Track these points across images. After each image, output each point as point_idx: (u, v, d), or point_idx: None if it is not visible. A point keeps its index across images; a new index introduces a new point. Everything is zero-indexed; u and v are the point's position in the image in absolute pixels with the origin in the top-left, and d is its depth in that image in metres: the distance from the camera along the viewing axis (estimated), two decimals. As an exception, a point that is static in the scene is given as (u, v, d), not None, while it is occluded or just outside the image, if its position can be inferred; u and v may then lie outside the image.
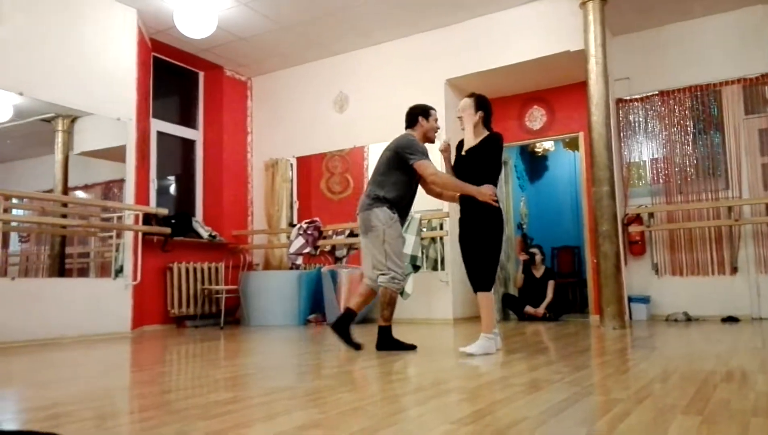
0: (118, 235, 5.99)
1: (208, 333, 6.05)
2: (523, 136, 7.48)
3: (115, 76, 6.05)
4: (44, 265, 5.96)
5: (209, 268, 7.23)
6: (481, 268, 3.80)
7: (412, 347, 4.06)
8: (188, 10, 6.08)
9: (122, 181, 6.09)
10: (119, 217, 6.06)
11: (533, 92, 7.36)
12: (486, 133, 3.94)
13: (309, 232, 7.16)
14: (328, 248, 7.25)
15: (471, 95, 4.03)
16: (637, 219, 6.61)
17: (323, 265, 7.26)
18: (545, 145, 9.20)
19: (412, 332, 5.39)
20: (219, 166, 7.82)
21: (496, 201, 3.80)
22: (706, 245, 6.36)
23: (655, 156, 6.71)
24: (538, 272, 7.23)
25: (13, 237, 5.86)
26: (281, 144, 7.99)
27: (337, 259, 7.23)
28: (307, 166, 8.37)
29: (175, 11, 6.12)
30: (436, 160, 4.25)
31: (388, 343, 4.04)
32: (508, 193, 7.94)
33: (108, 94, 5.96)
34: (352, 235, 7.27)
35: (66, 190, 5.93)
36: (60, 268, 5.87)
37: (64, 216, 5.87)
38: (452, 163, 4.09)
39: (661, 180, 6.64)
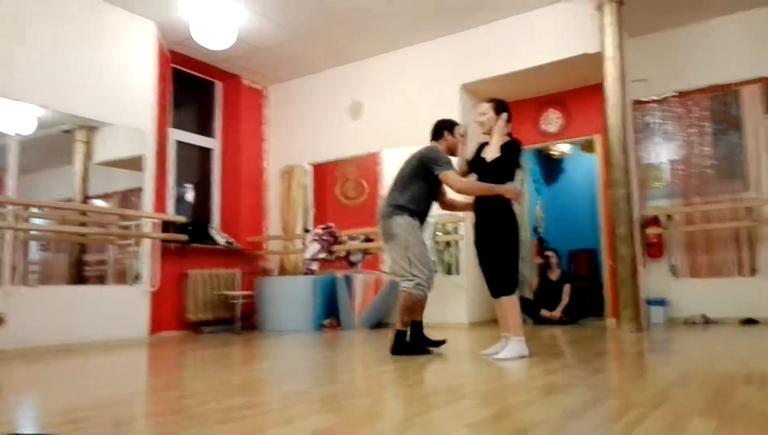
0: (137, 243, 6.06)
1: (225, 338, 6.09)
2: (539, 139, 7.45)
3: (134, 87, 6.14)
4: (63, 273, 6.04)
5: (225, 275, 7.29)
6: (502, 272, 3.80)
7: (426, 352, 4.06)
8: (206, 22, 6.14)
9: (140, 189, 6.16)
10: (137, 225, 6.13)
11: (549, 95, 7.33)
12: (506, 138, 3.94)
13: (324, 237, 7.19)
14: (343, 253, 7.27)
15: (489, 100, 4.04)
16: (655, 221, 6.54)
17: (338, 270, 7.28)
18: (561, 148, 9.16)
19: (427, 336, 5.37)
20: (236, 174, 7.89)
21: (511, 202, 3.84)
22: (725, 247, 6.28)
23: (673, 157, 6.65)
24: (554, 275, 7.19)
25: (33, 245, 5.95)
26: (297, 151, 8.04)
27: (352, 264, 7.25)
28: (322, 172, 8.41)
29: (191, 24, 6.18)
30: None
31: (403, 347, 4.04)
32: (524, 196, 7.91)
33: (127, 105, 6.05)
34: (367, 240, 7.28)
35: (85, 199, 6.02)
36: (79, 275, 5.95)
37: (84, 224, 5.95)
38: (467, 158, 4.13)
39: (678, 182, 6.58)
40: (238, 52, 7.13)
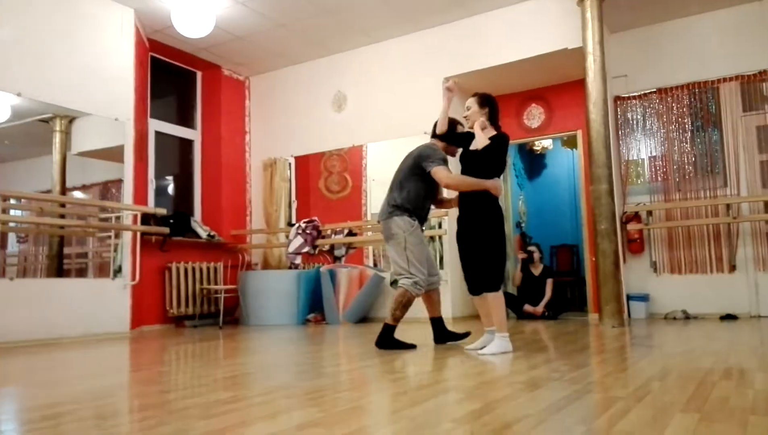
0: (117, 235, 5.98)
1: (207, 333, 6.05)
2: (521, 135, 7.48)
3: (112, 76, 6.04)
4: (42, 266, 5.95)
5: (208, 268, 7.23)
6: (487, 268, 3.80)
7: (411, 346, 4.07)
8: (186, 9, 6.07)
9: (120, 181, 6.08)
10: (117, 217, 6.06)
11: (531, 90, 7.36)
12: (493, 132, 3.93)
13: (308, 231, 7.16)
14: (326, 247, 7.25)
15: (475, 94, 4.03)
16: (636, 217, 6.61)
17: (322, 264, 7.26)
18: (544, 143, 9.20)
19: (412, 331, 5.38)
20: (217, 166, 7.82)
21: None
22: (705, 243, 6.37)
23: (654, 154, 6.71)
24: (537, 271, 7.23)
25: (11, 237, 5.85)
26: (279, 143, 7.99)
27: (336, 259, 7.23)
28: (306, 165, 8.37)
29: (173, 11, 6.11)
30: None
31: (389, 341, 4.06)
32: (507, 191, 7.94)
33: (106, 95, 5.95)
34: (350, 234, 7.27)
35: (64, 190, 5.93)
36: (58, 268, 5.87)
37: (63, 216, 5.86)
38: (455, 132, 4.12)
39: (659, 178, 6.65)
40: (218, 41, 7.06)
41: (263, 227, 7.86)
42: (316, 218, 7.33)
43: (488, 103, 3.98)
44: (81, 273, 6.23)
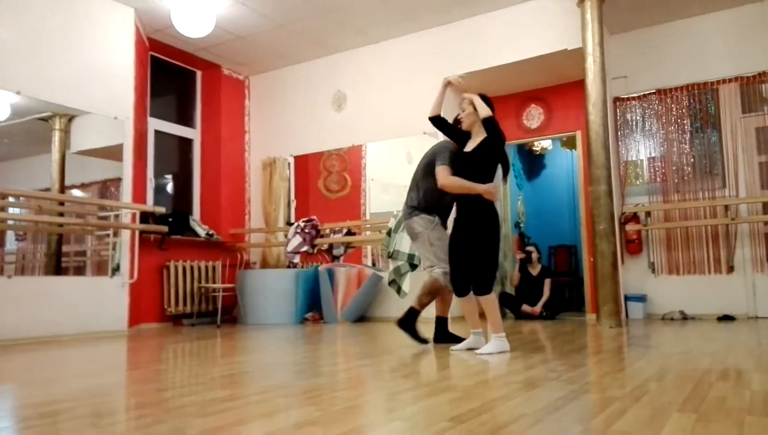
0: (115, 234, 5.98)
1: (205, 331, 6.05)
2: (520, 135, 7.49)
3: (112, 75, 6.03)
4: (41, 264, 5.95)
5: (206, 267, 7.23)
6: (479, 273, 3.80)
7: (424, 341, 4.17)
8: (186, 9, 6.07)
9: (119, 179, 6.08)
10: (116, 216, 6.05)
11: (531, 91, 7.37)
12: (484, 134, 3.92)
13: (306, 230, 7.16)
14: (325, 247, 7.25)
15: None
16: (634, 218, 6.61)
17: (320, 263, 7.26)
18: (543, 143, 9.22)
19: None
20: (216, 165, 7.82)
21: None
22: (703, 244, 6.37)
23: (653, 155, 6.72)
24: (535, 271, 7.24)
25: (10, 235, 5.85)
26: (279, 143, 7.98)
27: (335, 258, 7.23)
28: (305, 164, 8.37)
29: (173, 10, 6.11)
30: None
31: (409, 325, 4.18)
32: (506, 191, 7.94)
33: (105, 93, 5.95)
34: (349, 233, 7.27)
35: (63, 188, 5.93)
36: (57, 266, 5.86)
37: (61, 214, 5.86)
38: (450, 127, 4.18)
39: (658, 179, 6.65)
40: (218, 41, 7.06)
41: (262, 226, 7.85)
42: (314, 217, 7.33)
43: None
44: (79, 271, 6.23)
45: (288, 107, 7.99)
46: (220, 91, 7.90)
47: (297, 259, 7.17)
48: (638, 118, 6.80)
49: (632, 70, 6.77)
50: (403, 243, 6.34)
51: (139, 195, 6.34)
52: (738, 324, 5.57)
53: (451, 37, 6.87)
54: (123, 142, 6.08)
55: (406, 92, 7.03)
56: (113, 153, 6.10)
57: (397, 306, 6.70)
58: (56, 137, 5.90)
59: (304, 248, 7.12)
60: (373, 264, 7.87)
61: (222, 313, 6.85)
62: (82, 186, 6.32)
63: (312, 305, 6.99)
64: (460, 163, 3.95)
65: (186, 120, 7.90)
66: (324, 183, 8.37)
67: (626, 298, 6.29)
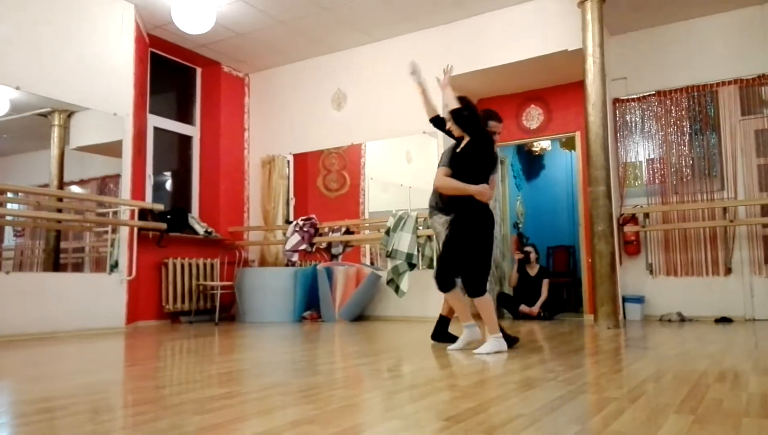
0: (114, 230, 5.98)
1: (203, 329, 6.05)
2: (520, 136, 7.49)
3: (112, 71, 6.03)
4: (39, 260, 5.94)
5: (204, 264, 7.23)
6: (472, 273, 3.80)
7: (454, 339, 4.17)
8: (186, 5, 6.06)
9: (118, 176, 6.07)
10: (115, 213, 6.05)
11: (530, 91, 7.37)
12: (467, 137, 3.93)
13: (305, 229, 7.16)
14: (323, 245, 7.25)
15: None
16: (633, 219, 6.62)
17: (319, 262, 7.26)
18: (542, 144, 9.22)
19: (407, 330, 5.40)
20: (216, 163, 7.81)
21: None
22: (701, 246, 6.38)
23: (652, 156, 6.72)
24: (533, 271, 7.25)
25: (8, 231, 5.85)
26: (278, 141, 7.98)
27: (333, 256, 7.23)
28: (304, 163, 8.37)
29: (173, 7, 6.10)
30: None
31: (443, 335, 4.28)
32: (505, 192, 7.95)
33: (105, 90, 5.94)
34: (348, 232, 7.27)
35: (62, 184, 5.92)
36: (55, 262, 5.86)
37: (60, 210, 5.85)
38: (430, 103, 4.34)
39: (656, 180, 6.66)
40: (218, 38, 7.05)
41: (261, 224, 7.85)
42: (313, 216, 7.33)
43: (465, 110, 3.93)
44: (77, 268, 6.23)
45: (288, 105, 7.99)
46: (220, 89, 7.90)
47: (295, 258, 7.17)
48: (637, 119, 6.80)
49: (632, 72, 6.77)
50: (402, 242, 6.36)
51: (138, 192, 6.34)
52: (735, 326, 5.58)
53: (451, 36, 6.86)
54: (122, 139, 6.08)
55: (405, 92, 6.99)
56: (112, 149, 6.09)
57: (395, 305, 6.74)
58: (55, 133, 5.89)
59: (303, 247, 7.11)
60: (372, 263, 7.87)
61: (220, 310, 6.85)
62: (81, 182, 6.31)
63: (310, 304, 6.99)
64: (454, 164, 3.97)
65: (185, 117, 7.89)
66: (323, 181, 8.37)
67: (624, 299, 6.30)
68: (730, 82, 6.36)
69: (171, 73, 7.70)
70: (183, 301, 6.89)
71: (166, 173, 7.79)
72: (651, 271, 6.57)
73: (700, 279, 6.34)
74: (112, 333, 5.55)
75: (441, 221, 4.29)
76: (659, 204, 6.59)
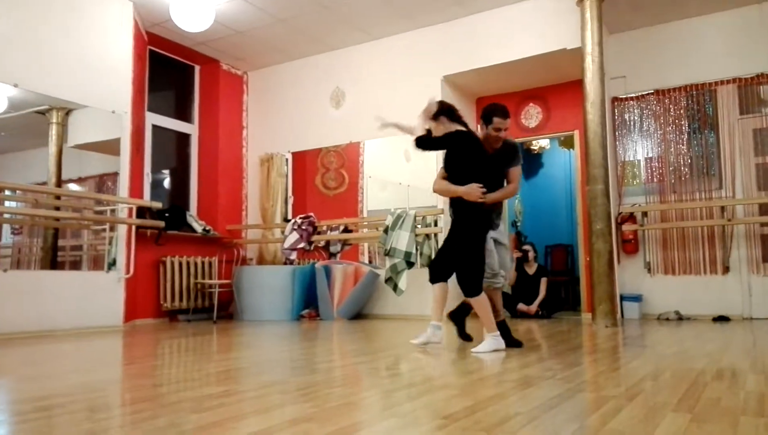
0: (112, 229, 5.97)
1: (201, 327, 6.05)
2: (518, 134, 7.47)
3: (110, 68, 6.02)
4: (37, 258, 5.93)
5: (203, 262, 7.22)
6: (467, 273, 3.80)
7: (468, 338, 4.23)
8: (185, 3, 6.05)
9: (116, 174, 6.06)
10: (113, 211, 6.04)
11: (529, 90, 7.37)
12: (451, 128, 3.90)
13: (303, 227, 7.16)
14: (322, 244, 7.25)
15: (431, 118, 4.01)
16: (631, 218, 6.62)
17: (317, 260, 7.26)
18: (541, 143, 9.21)
19: (405, 328, 5.39)
20: (214, 161, 7.81)
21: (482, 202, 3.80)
22: (699, 245, 6.39)
23: (650, 155, 6.73)
24: (531, 269, 7.25)
25: (6, 229, 5.84)
26: (277, 139, 7.97)
27: (331, 255, 7.23)
28: (303, 161, 8.36)
29: (172, 4, 6.09)
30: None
31: (459, 320, 4.32)
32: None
33: (103, 87, 5.93)
34: (346, 230, 7.27)
35: (60, 182, 5.91)
36: (52, 260, 5.85)
37: (58, 208, 5.84)
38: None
39: (655, 179, 6.66)
40: (217, 36, 7.04)
41: (259, 222, 7.85)
42: (312, 214, 7.33)
43: (439, 114, 3.91)
44: (75, 265, 6.22)
45: (286, 103, 7.98)
46: (219, 87, 7.89)
47: (294, 256, 7.17)
48: (636, 118, 6.81)
49: (631, 70, 6.77)
50: (400, 240, 6.36)
51: (136, 190, 6.33)
52: (733, 325, 5.58)
53: (449, 35, 6.86)
54: (120, 137, 6.07)
55: (404, 90, 7.03)
56: (110, 147, 6.09)
57: (393, 303, 6.74)
58: (53, 131, 5.88)
59: (301, 245, 7.11)
60: (370, 261, 7.87)
61: (218, 309, 6.85)
62: (79, 180, 6.30)
63: (308, 302, 6.99)
64: (446, 166, 3.99)
65: (184, 115, 7.88)
66: (321, 180, 8.36)
67: (622, 298, 6.30)
68: (728, 81, 6.36)
69: (169, 70, 7.69)
70: (181, 300, 6.89)
71: (164, 171, 7.78)
72: (649, 270, 6.58)
73: (698, 278, 6.34)
74: (110, 331, 5.55)
75: None
76: (657, 203, 6.60)
